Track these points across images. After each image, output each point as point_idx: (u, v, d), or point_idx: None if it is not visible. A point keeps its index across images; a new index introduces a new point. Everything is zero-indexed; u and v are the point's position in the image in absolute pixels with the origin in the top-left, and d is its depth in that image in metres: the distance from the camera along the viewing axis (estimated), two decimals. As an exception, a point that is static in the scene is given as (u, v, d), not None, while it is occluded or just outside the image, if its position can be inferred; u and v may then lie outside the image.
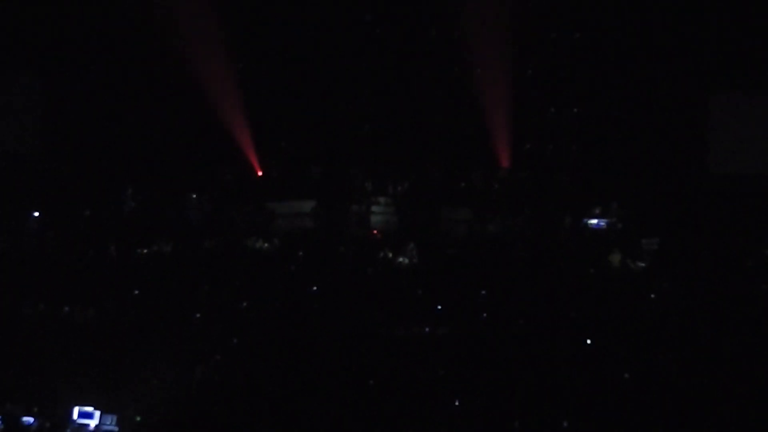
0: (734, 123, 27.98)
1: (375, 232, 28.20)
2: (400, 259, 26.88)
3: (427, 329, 24.73)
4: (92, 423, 22.72)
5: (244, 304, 25.61)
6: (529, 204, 28.07)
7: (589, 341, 23.85)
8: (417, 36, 29.73)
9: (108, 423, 22.62)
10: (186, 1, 28.58)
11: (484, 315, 24.91)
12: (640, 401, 22.69)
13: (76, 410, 22.84)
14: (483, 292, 25.51)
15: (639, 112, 28.56)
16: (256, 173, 29.43)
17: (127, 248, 27.30)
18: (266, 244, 27.69)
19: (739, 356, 23.19)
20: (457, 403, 23.05)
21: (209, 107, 28.84)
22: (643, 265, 26.00)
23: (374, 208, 28.53)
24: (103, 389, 23.33)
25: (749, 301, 24.54)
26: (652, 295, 25.05)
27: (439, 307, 25.26)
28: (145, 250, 27.36)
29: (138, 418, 22.78)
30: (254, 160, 29.34)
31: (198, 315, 25.30)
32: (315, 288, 25.95)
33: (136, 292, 25.96)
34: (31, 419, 22.81)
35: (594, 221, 27.60)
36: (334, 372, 23.83)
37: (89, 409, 22.86)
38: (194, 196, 28.81)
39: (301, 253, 27.27)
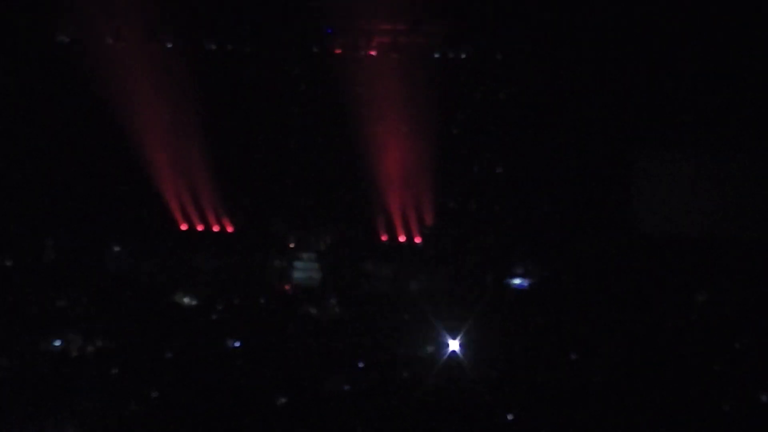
0: (658, 182, 28.24)
1: (287, 287, 28.19)
2: (319, 313, 26.97)
3: (346, 387, 24.74)
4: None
5: (169, 355, 25.64)
6: (452, 261, 28.17)
7: None
8: (347, 90, 29.74)
9: None
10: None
11: (404, 375, 24.95)
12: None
13: None
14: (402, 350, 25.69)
15: (563, 172, 28.76)
16: (180, 227, 29.26)
17: (45, 299, 27.24)
18: (187, 298, 27.65)
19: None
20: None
21: (135, 161, 28.73)
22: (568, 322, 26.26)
23: (296, 264, 28.47)
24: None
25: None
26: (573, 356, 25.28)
27: (361, 365, 25.30)
28: (64, 302, 27.27)
29: None
30: (178, 215, 29.20)
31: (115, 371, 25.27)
32: (237, 343, 26.01)
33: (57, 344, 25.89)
34: None
35: (518, 281, 27.72)
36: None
37: None
38: (116, 248, 28.70)
39: (221, 307, 27.30)
